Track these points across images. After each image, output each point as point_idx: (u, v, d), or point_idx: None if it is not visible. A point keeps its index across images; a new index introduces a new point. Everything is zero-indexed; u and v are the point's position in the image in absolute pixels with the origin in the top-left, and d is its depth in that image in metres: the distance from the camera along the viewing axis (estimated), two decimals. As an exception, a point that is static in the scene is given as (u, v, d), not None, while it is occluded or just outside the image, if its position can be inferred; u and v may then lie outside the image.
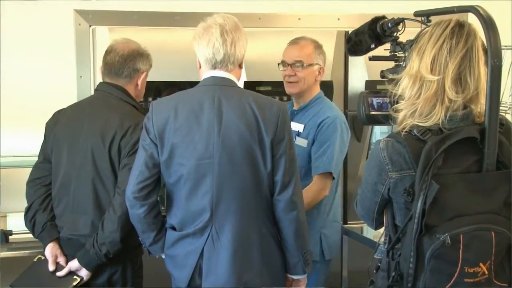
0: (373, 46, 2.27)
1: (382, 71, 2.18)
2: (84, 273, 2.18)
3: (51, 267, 2.17)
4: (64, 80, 2.87)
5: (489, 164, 1.79)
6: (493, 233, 1.75)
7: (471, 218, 1.78)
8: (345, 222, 3.32)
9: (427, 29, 1.87)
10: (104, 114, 2.20)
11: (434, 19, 2.10)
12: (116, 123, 2.16)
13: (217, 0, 3.15)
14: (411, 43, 1.94)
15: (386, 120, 2.17)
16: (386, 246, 1.92)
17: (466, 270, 1.75)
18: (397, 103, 1.84)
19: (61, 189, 2.23)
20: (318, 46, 2.69)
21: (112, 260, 2.20)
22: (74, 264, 2.19)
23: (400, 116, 1.83)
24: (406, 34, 2.14)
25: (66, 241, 2.25)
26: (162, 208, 2.75)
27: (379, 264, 1.93)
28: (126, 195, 2.08)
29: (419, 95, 1.81)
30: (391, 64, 2.20)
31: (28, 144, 2.59)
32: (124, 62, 2.27)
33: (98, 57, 3.05)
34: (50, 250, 2.18)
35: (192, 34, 2.11)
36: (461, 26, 1.79)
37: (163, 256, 2.19)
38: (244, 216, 1.98)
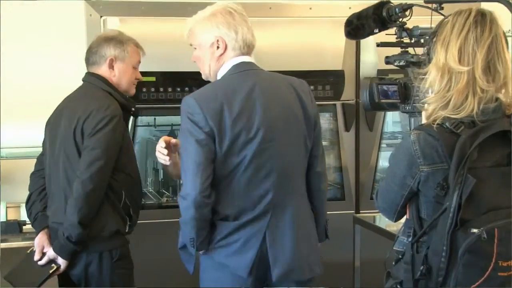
0: (376, 30, 2.28)
1: (387, 57, 2.27)
2: (60, 261, 2.22)
3: (37, 257, 2.23)
4: (75, 71, 2.89)
5: None
6: None
7: (504, 212, 1.79)
8: (357, 211, 3.33)
9: (447, 19, 1.83)
10: (77, 103, 2.26)
11: (446, 7, 2.16)
12: (82, 108, 2.18)
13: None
14: (433, 35, 1.90)
15: (390, 107, 2.29)
16: (410, 239, 1.92)
17: (500, 264, 1.76)
18: (421, 95, 1.87)
19: (47, 180, 2.32)
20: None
21: (88, 249, 2.24)
22: (51, 252, 2.24)
23: (430, 109, 1.83)
24: (413, 21, 2.19)
25: (52, 230, 2.30)
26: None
27: (400, 257, 1.93)
28: (191, 198, 2.05)
29: (450, 87, 1.80)
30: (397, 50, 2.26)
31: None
32: (90, 49, 2.35)
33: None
34: (38, 240, 2.24)
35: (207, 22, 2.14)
36: (483, 14, 1.79)
37: (202, 253, 2.16)
38: (298, 192, 2.08)
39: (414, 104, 2.14)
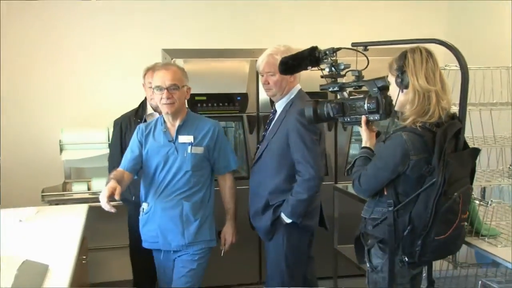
0: (309, 68, 2.56)
1: (321, 85, 2.55)
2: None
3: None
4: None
5: (461, 145, 2.24)
6: (469, 189, 2.25)
7: (463, 181, 2.20)
8: (335, 182, 4.16)
9: (405, 56, 2.19)
10: None
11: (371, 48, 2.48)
12: None
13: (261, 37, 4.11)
14: (400, 68, 2.19)
15: (329, 120, 2.56)
16: (391, 208, 2.24)
17: (462, 217, 2.21)
18: (361, 110, 2.34)
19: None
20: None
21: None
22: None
23: (411, 118, 2.17)
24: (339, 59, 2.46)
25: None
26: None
27: (379, 222, 2.27)
28: (318, 179, 2.82)
29: (428, 102, 2.15)
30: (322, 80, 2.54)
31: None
32: None
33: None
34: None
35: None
36: (429, 51, 2.21)
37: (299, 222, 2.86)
38: None
39: (353, 116, 2.44)
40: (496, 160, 2.99)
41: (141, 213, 2.91)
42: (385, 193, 2.27)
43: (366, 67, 2.43)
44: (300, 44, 2.69)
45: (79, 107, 4.23)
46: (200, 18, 4.45)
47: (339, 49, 2.43)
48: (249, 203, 3.06)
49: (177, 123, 2.81)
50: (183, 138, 2.79)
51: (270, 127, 3.02)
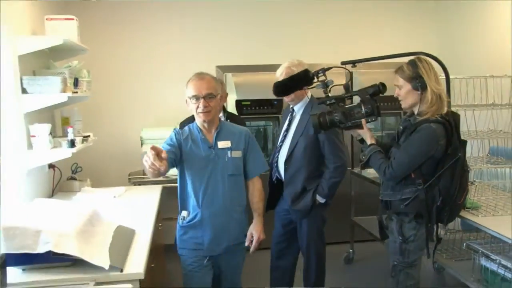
0: (305, 88, 2.71)
1: (319, 98, 2.61)
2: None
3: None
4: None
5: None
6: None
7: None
8: (352, 167, 4.40)
9: (416, 65, 2.39)
10: None
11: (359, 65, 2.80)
12: None
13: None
14: (417, 76, 2.37)
15: (332, 127, 2.57)
16: (421, 186, 2.40)
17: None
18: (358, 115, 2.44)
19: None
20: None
21: None
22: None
23: (430, 113, 2.37)
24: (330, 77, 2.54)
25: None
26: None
27: (411, 199, 2.42)
28: (346, 165, 3.04)
29: (441, 100, 2.38)
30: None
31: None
32: None
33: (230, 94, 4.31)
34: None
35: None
36: (428, 61, 2.44)
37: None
38: None
39: (354, 121, 2.50)
40: (477, 149, 3.35)
41: (180, 221, 2.66)
42: (413, 176, 2.43)
43: (350, 81, 2.82)
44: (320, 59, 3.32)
45: (155, 110, 4.85)
46: (244, 40, 5.06)
47: (328, 69, 2.50)
48: (285, 191, 3.18)
49: (214, 130, 2.62)
50: (222, 144, 2.60)
51: (295, 126, 3.13)
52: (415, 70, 2.37)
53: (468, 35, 5.00)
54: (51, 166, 3.53)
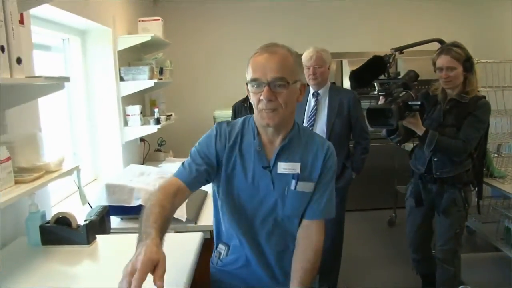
0: (380, 77, 2.28)
1: (379, 79, 2.25)
2: None
3: None
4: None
5: None
6: None
7: None
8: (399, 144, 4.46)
9: (464, 51, 2.34)
10: None
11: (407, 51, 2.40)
12: None
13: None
14: (469, 60, 2.32)
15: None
16: (476, 155, 2.45)
17: None
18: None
19: None
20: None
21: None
22: None
23: (475, 92, 2.39)
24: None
25: None
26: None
27: (467, 171, 2.44)
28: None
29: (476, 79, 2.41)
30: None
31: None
32: None
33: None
34: None
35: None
36: None
37: None
38: None
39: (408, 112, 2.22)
40: (507, 125, 3.48)
41: (215, 259, 1.60)
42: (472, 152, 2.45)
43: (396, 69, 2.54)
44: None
45: (225, 93, 4.77)
46: (306, 29, 5.05)
47: (393, 56, 2.25)
48: None
49: (279, 140, 1.46)
50: (284, 166, 1.44)
51: (325, 109, 2.88)
52: (466, 52, 2.33)
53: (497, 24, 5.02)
54: (142, 140, 3.85)
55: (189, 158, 1.49)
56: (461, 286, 1.23)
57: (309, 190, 1.46)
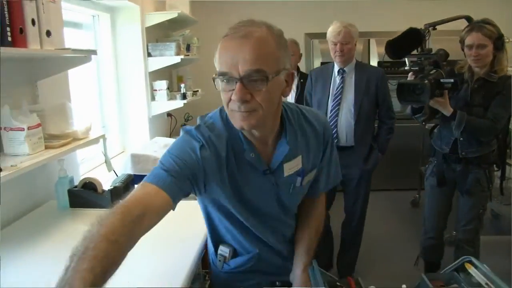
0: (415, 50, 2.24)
1: (411, 55, 2.24)
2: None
3: None
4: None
5: None
6: None
7: None
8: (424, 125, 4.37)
9: (495, 28, 2.25)
10: None
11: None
12: None
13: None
14: (499, 39, 2.24)
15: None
16: (501, 136, 2.44)
17: None
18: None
19: None
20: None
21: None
22: None
23: (504, 71, 2.32)
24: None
25: None
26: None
27: (492, 151, 2.41)
28: None
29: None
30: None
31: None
32: None
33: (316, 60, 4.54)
34: None
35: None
36: None
37: None
38: None
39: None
40: None
41: (218, 263, 1.43)
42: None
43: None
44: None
45: None
46: (333, 8, 4.92)
47: (428, 31, 2.23)
48: (354, 154, 2.79)
49: (273, 136, 1.23)
50: (289, 166, 1.25)
51: (352, 87, 2.75)
52: (498, 29, 2.25)
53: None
54: (169, 114, 3.96)
55: (163, 164, 1.15)
56: (464, 257, 1.23)
57: (313, 177, 1.34)
